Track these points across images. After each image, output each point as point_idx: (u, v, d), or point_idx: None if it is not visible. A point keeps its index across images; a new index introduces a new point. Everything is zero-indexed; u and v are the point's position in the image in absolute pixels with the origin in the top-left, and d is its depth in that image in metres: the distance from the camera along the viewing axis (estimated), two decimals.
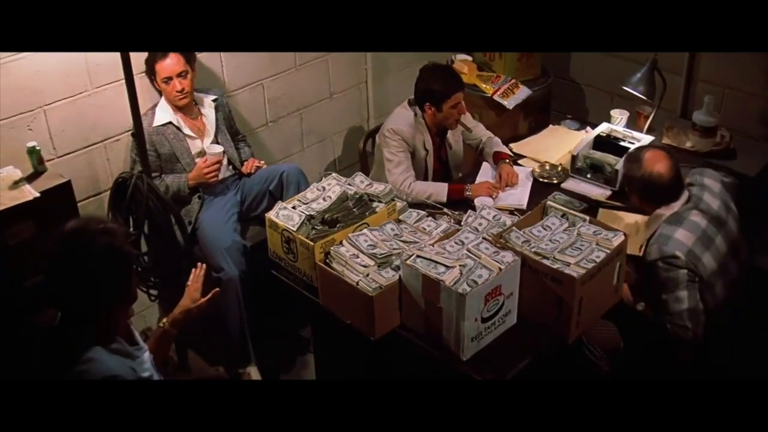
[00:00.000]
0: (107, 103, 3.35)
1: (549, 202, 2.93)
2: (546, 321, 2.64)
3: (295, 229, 2.81)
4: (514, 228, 2.76)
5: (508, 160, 3.71)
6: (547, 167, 3.73)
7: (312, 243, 2.76)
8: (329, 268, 2.73)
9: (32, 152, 2.56)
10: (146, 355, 2.29)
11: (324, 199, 2.93)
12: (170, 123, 3.46)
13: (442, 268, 2.53)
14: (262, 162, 3.67)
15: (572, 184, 3.60)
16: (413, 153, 3.67)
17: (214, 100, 3.61)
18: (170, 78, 3.36)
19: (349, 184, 3.03)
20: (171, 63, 3.34)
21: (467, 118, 3.86)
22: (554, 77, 4.84)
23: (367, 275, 2.65)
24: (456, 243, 2.68)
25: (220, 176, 3.54)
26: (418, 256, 2.60)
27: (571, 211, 2.87)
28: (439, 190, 3.52)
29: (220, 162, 3.46)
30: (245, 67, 3.95)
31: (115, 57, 3.35)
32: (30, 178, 2.54)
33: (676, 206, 2.91)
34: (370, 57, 4.56)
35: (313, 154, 4.52)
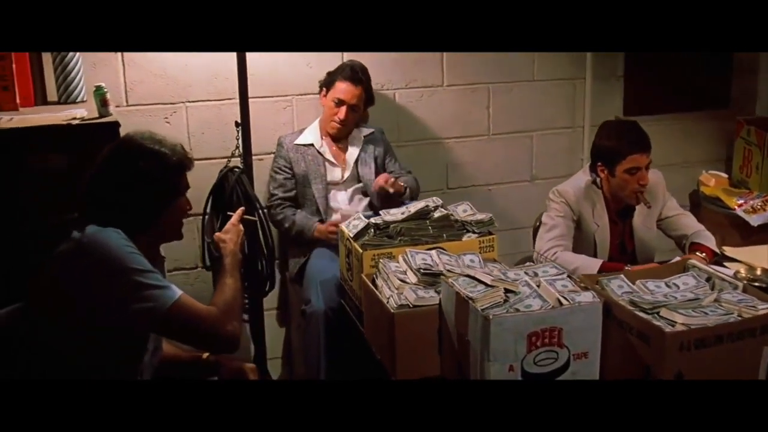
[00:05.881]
0: (252, 116, 3.16)
1: (692, 261, 2.07)
2: None
3: (352, 236, 2.31)
4: (621, 276, 1.97)
5: (702, 253, 2.82)
6: (758, 272, 2.75)
7: (362, 251, 2.22)
8: (371, 285, 2.17)
9: (98, 93, 2.43)
10: None
11: (402, 213, 2.39)
12: (312, 145, 3.20)
13: (481, 287, 1.83)
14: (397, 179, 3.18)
15: None
16: (579, 223, 2.95)
17: (368, 135, 3.30)
18: (342, 102, 3.13)
19: (446, 208, 2.47)
20: (351, 90, 3.11)
21: (668, 204, 3.05)
22: None
23: (401, 293, 2.04)
24: (527, 273, 1.96)
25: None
26: (463, 275, 1.93)
27: (721, 273, 1.99)
28: (590, 264, 2.74)
29: None
30: (422, 118, 3.59)
31: (268, 70, 3.25)
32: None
33: None
34: (587, 146, 3.93)
35: (501, 243, 3.89)
